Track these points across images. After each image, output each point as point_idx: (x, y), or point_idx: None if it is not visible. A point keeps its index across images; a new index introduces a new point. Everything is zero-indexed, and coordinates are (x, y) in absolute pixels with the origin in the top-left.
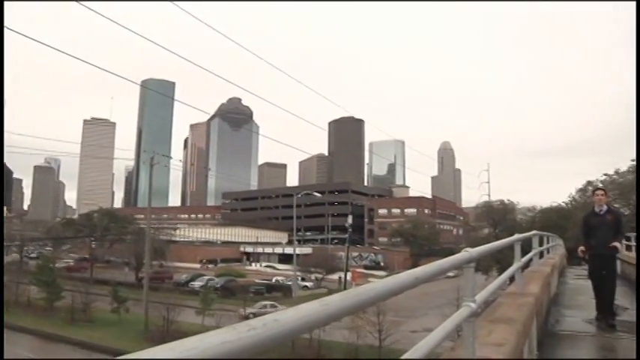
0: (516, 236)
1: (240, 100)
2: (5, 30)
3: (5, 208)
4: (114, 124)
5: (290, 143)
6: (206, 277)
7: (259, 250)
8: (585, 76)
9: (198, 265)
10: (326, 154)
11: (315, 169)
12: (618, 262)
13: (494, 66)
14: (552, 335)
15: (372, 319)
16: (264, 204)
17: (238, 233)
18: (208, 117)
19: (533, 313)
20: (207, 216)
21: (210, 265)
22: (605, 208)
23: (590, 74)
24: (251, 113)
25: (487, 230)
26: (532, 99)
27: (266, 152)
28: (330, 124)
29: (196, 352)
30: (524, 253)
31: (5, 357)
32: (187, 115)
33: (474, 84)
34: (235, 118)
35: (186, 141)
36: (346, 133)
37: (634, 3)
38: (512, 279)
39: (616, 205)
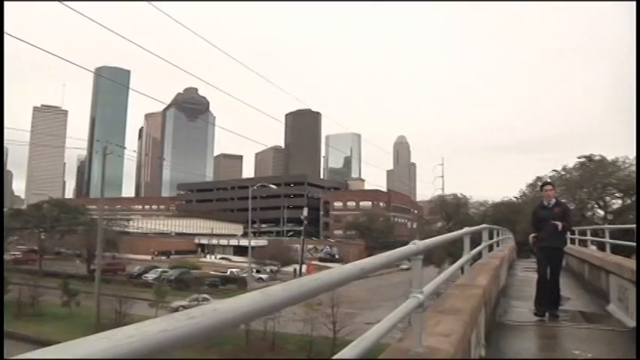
0: (465, 229)
1: (196, 90)
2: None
3: None
4: (66, 111)
5: (246, 135)
6: (160, 270)
7: (214, 242)
8: (536, 76)
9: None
10: (282, 146)
11: (272, 161)
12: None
13: (451, 62)
14: (500, 325)
15: (326, 311)
16: (219, 195)
17: (193, 225)
18: (164, 107)
19: (482, 304)
20: (162, 207)
21: (162, 257)
22: (553, 201)
23: (539, 74)
24: (207, 104)
25: (440, 224)
26: (486, 96)
27: (222, 143)
28: (286, 116)
29: (132, 340)
30: (476, 246)
31: (5, 357)
32: (142, 104)
33: (431, 80)
34: (191, 108)
35: (141, 131)
36: (303, 125)
37: (634, 3)
38: (463, 271)
39: (562, 200)
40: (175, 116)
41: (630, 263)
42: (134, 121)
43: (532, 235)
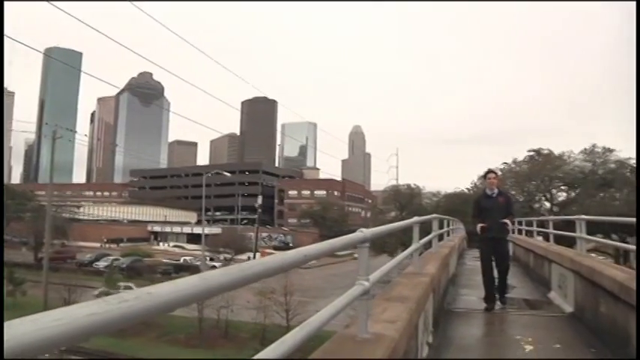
0: (415, 219)
1: (151, 74)
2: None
3: None
4: (12, 93)
5: (202, 121)
6: (111, 257)
7: (167, 229)
8: (492, 72)
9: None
10: (238, 133)
11: (227, 148)
12: (510, 245)
13: (407, 55)
14: (448, 312)
15: (279, 299)
16: (173, 182)
17: (146, 212)
18: (117, 91)
19: (429, 292)
20: (114, 194)
21: (113, 245)
22: (496, 191)
23: (495, 70)
24: (162, 89)
25: (394, 213)
26: (442, 89)
27: (177, 130)
28: (242, 103)
29: (60, 323)
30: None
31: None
32: (95, 88)
33: (387, 71)
34: (146, 93)
35: (93, 115)
36: (259, 113)
37: (634, 3)
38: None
39: (512, 192)
40: (129, 101)
41: (570, 253)
42: (86, 105)
43: (480, 225)
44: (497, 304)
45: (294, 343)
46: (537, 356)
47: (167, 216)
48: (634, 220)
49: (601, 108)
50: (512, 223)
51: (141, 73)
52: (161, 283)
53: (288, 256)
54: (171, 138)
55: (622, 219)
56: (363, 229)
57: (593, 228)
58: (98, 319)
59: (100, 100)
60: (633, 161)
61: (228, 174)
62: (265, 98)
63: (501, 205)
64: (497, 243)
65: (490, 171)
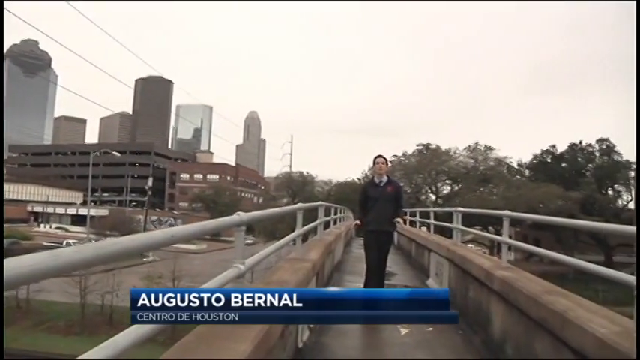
0: (299, 205)
1: (37, 43)
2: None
3: None
4: None
5: (92, 98)
6: None
7: (50, 210)
8: (387, 66)
9: None
10: (130, 112)
11: (118, 127)
12: (396, 235)
13: (305, 44)
14: None
15: (167, 284)
16: (58, 161)
17: (26, 191)
18: None
19: (311, 277)
20: None
21: None
22: (385, 179)
23: (391, 64)
24: (49, 60)
25: (286, 200)
26: (338, 79)
27: (64, 105)
28: (136, 81)
29: None
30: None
31: (5, 357)
32: None
33: (284, 59)
34: (30, 62)
35: None
36: (153, 92)
37: (634, 3)
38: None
39: (401, 184)
40: (10, 70)
41: (447, 242)
42: None
43: (356, 222)
44: None
45: (156, 326)
46: (411, 338)
47: (50, 196)
48: (504, 212)
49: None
50: (404, 217)
51: (25, 41)
52: (6, 259)
53: (154, 235)
54: (58, 113)
55: (491, 212)
56: (240, 213)
57: (473, 220)
58: None
59: None
60: (510, 160)
61: (118, 154)
62: (161, 78)
63: (389, 194)
64: (382, 237)
65: (379, 156)
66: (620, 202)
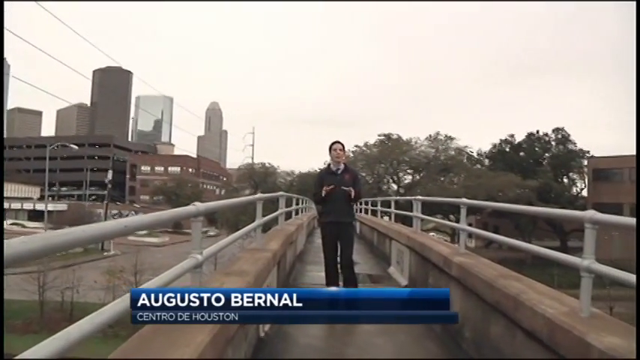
0: (258, 195)
1: None
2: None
3: None
4: None
5: (47, 89)
6: None
7: (5, 205)
8: (350, 57)
9: None
10: (88, 104)
11: (76, 119)
12: (357, 224)
13: (265, 33)
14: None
15: (129, 278)
16: (13, 154)
17: None
18: None
19: (271, 267)
20: None
21: None
22: (342, 166)
23: (352, 55)
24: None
25: (248, 191)
26: (300, 69)
27: (18, 96)
28: (94, 72)
29: None
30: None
31: (5, 357)
32: None
33: (246, 49)
34: None
35: None
36: (112, 83)
37: (634, 3)
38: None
39: (362, 174)
40: None
41: (407, 230)
42: None
43: (326, 188)
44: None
45: (113, 315)
46: (372, 326)
47: (5, 191)
48: (461, 200)
49: (444, 99)
50: (358, 198)
51: None
52: None
53: (107, 226)
54: (11, 105)
55: (448, 199)
56: (197, 203)
57: (435, 209)
58: None
59: None
60: (470, 149)
61: (76, 147)
62: (119, 68)
63: (347, 183)
64: (341, 227)
65: (336, 142)
66: (574, 190)
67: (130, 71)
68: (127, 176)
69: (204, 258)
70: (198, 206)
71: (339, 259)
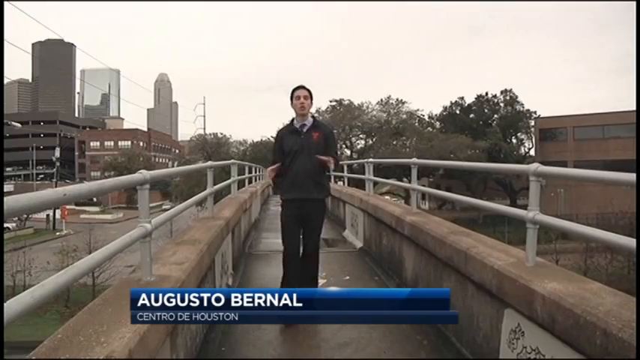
0: (209, 163)
1: None
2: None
3: None
4: None
5: None
6: None
7: None
8: (297, 21)
9: None
10: (29, 80)
11: (17, 96)
12: (329, 200)
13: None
14: (249, 255)
15: (83, 256)
16: None
17: None
18: None
19: (224, 235)
20: None
21: None
22: (310, 120)
23: (303, 20)
24: None
25: (201, 162)
26: (248, 36)
27: None
28: (33, 45)
29: None
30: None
31: (5, 357)
32: None
33: (191, 18)
34: None
35: None
36: (54, 57)
37: (634, 3)
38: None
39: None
40: None
41: (360, 193)
42: None
43: (270, 168)
44: None
45: (55, 288)
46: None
47: None
48: (411, 160)
49: (394, 63)
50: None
51: None
52: None
53: (42, 195)
54: None
55: (399, 160)
56: (143, 171)
57: (389, 173)
58: None
59: None
60: (421, 112)
61: (19, 125)
62: (61, 41)
63: (316, 143)
64: (307, 207)
65: (299, 87)
66: (523, 150)
67: (72, 44)
68: (76, 153)
69: (153, 227)
70: (144, 174)
71: (301, 248)
